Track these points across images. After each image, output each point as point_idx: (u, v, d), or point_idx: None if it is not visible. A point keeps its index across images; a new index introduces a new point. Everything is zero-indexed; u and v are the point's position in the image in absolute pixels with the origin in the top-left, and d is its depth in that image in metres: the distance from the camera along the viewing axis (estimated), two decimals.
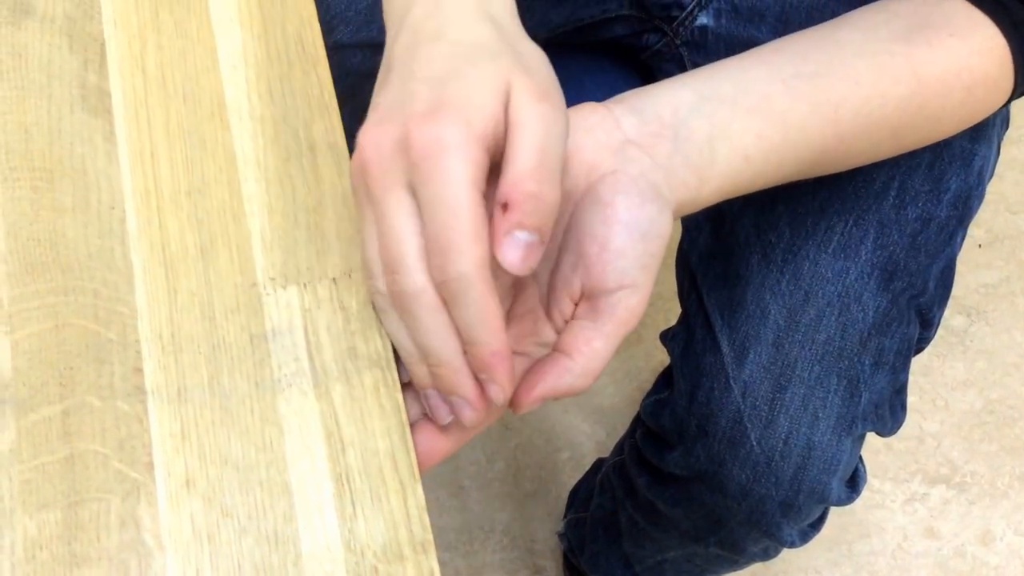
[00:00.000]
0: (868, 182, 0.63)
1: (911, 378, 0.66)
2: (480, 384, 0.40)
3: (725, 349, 0.62)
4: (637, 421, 0.77)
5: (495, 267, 0.37)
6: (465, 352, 0.39)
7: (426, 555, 0.39)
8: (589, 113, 0.45)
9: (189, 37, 0.50)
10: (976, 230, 1.35)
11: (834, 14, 0.52)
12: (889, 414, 0.65)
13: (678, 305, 0.70)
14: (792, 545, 0.69)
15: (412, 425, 0.42)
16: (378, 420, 0.41)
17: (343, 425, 0.41)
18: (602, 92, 0.48)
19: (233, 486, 0.40)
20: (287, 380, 0.42)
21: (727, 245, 0.65)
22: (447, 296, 0.37)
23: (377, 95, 0.41)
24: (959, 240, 0.66)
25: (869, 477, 1.16)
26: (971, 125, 0.53)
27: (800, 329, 0.61)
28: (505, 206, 0.37)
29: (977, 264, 1.33)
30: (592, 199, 0.42)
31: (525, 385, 0.42)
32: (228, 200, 0.46)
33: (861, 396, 0.61)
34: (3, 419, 0.41)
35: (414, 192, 0.37)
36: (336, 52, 0.61)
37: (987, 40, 0.50)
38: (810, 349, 0.61)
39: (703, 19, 0.69)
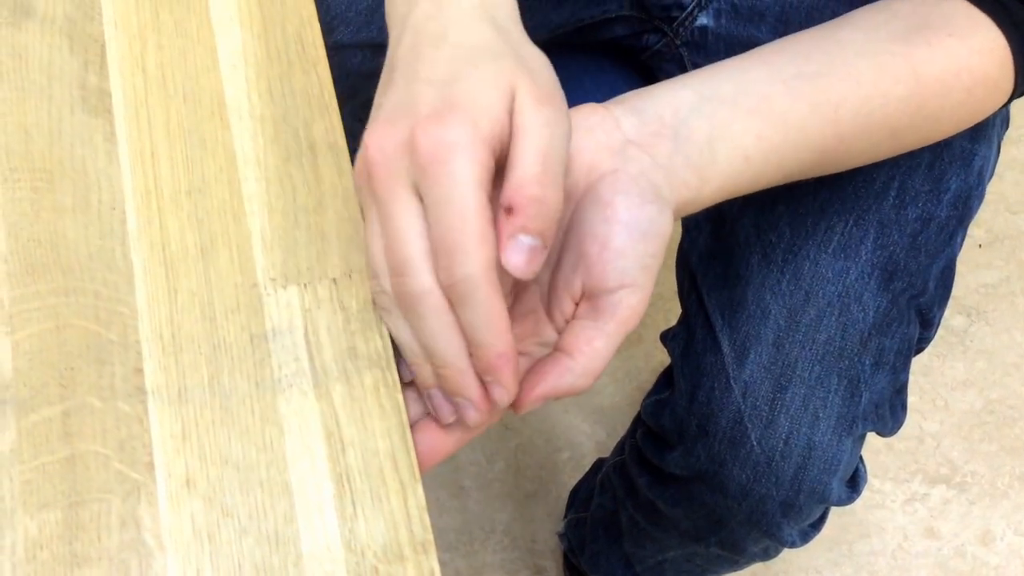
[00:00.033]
0: (868, 182, 0.63)
1: (911, 378, 0.67)
2: (484, 385, 0.40)
3: (725, 349, 0.62)
4: (637, 421, 0.77)
5: (497, 268, 0.37)
6: (470, 353, 0.39)
7: (426, 555, 0.39)
8: (589, 113, 0.45)
9: (189, 37, 0.50)
10: (976, 230, 1.35)
11: (834, 14, 0.52)
12: (889, 414, 0.65)
13: (678, 305, 0.70)
14: (792, 545, 0.69)
15: (413, 424, 0.42)
16: (378, 420, 0.41)
17: (343, 425, 0.41)
18: (602, 92, 0.48)
19: (233, 486, 0.40)
20: (287, 380, 0.42)
21: (727, 245, 0.65)
22: (453, 298, 0.38)
23: (380, 96, 0.41)
24: (959, 240, 0.66)
25: (869, 477, 1.16)
26: (971, 125, 0.53)
27: (800, 329, 0.61)
28: (509, 210, 0.37)
29: (977, 264, 1.33)
30: (592, 199, 0.42)
31: (526, 385, 0.42)
32: (228, 200, 0.46)
33: (861, 396, 0.61)
34: (4, 419, 0.41)
35: (420, 194, 0.37)
36: (336, 52, 0.61)
37: (987, 40, 0.50)
38: (810, 349, 0.61)
39: (703, 19, 0.69)
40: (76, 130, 0.47)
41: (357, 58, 0.65)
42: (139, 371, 0.42)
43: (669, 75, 0.50)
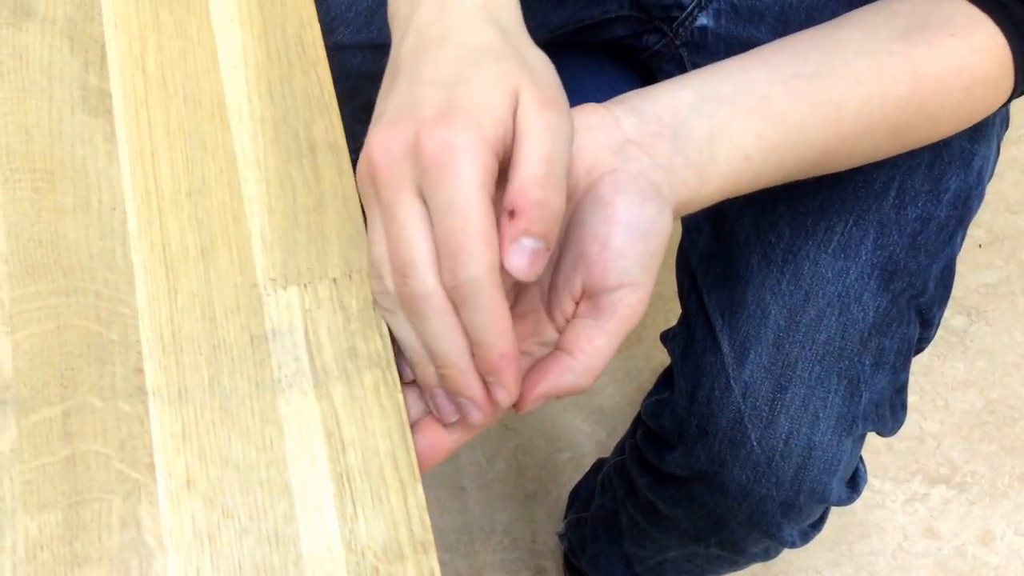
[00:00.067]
0: (868, 182, 0.63)
1: (911, 378, 0.67)
2: (487, 386, 0.40)
3: (725, 349, 0.62)
4: (637, 421, 0.77)
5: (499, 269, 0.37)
6: (472, 354, 0.39)
7: (426, 555, 0.39)
8: (589, 113, 0.45)
9: (189, 38, 0.50)
10: (976, 230, 1.35)
11: (834, 14, 0.52)
12: (889, 414, 0.65)
13: (678, 305, 0.70)
14: (793, 545, 0.69)
15: (414, 424, 0.42)
16: (378, 420, 0.41)
17: (343, 425, 0.41)
18: (602, 92, 0.48)
19: (234, 486, 0.40)
20: (287, 380, 0.42)
21: (727, 245, 0.65)
22: (457, 299, 0.38)
23: (383, 98, 0.41)
24: (959, 240, 0.66)
25: (869, 477, 1.16)
26: (971, 125, 0.53)
27: (800, 329, 0.61)
28: (512, 213, 0.37)
29: (977, 264, 1.33)
30: (592, 198, 0.42)
31: (527, 384, 0.42)
32: (228, 200, 0.46)
33: (861, 396, 0.61)
34: (4, 419, 0.41)
35: (423, 195, 0.38)
36: (336, 53, 0.61)
37: (987, 40, 0.50)
38: (810, 349, 0.61)
39: (703, 20, 0.69)
40: (76, 130, 0.47)
41: (357, 59, 0.65)
42: (139, 371, 0.42)
43: (669, 75, 0.50)
